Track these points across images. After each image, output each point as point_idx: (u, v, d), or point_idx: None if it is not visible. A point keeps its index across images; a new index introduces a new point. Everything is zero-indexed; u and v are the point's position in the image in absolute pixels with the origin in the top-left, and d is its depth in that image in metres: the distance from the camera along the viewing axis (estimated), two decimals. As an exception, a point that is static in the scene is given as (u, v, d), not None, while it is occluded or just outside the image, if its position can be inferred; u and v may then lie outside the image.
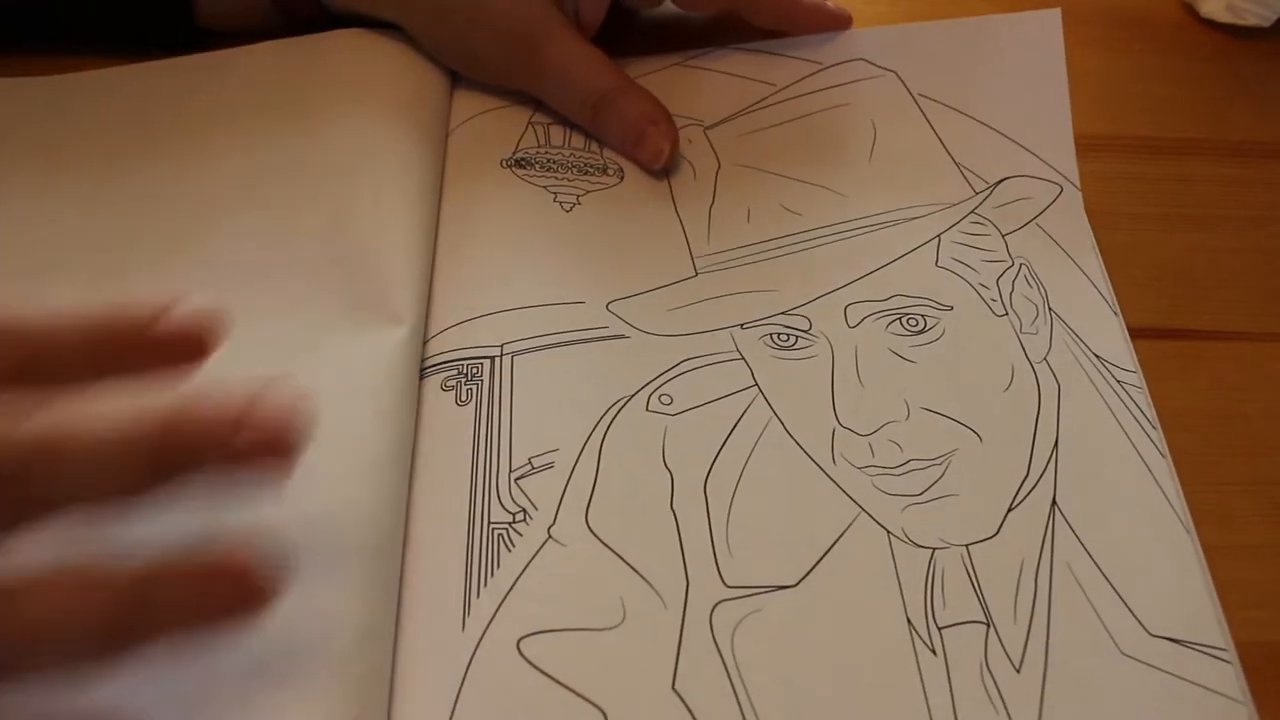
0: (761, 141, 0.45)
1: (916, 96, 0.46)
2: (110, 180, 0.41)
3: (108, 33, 0.46)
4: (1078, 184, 0.43)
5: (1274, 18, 0.49)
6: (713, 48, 0.47)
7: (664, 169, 0.43)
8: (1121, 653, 0.33)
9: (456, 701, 0.31)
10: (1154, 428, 0.37)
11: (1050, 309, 0.40)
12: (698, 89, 0.46)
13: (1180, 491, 0.36)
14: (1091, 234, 0.42)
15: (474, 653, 0.32)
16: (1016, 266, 0.41)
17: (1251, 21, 0.49)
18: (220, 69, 0.44)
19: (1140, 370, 0.38)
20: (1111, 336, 0.40)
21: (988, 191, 0.43)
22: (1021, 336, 0.39)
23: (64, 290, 0.38)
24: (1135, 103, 0.47)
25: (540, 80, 0.43)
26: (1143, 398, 0.38)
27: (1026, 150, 0.44)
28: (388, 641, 0.31)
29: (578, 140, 0.44)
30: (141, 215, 0.40)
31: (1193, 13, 0.50)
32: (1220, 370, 0.40)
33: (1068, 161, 0.43)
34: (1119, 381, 0.38)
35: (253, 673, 0.30)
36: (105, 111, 0.43)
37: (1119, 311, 0.40)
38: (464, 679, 0.31)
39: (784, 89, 0.46)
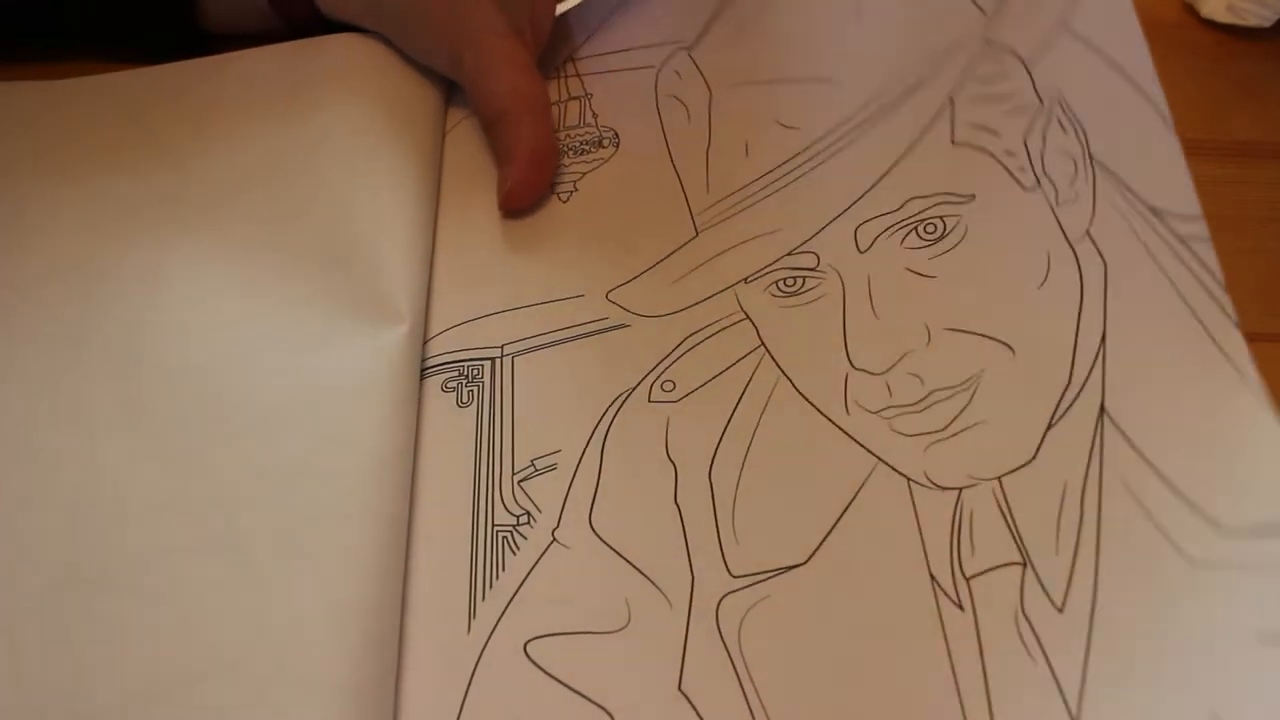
0: (746, 42, 0.42)
1: None
2: (106, 183, 0.41)
3: (111, 36, 0.46)
4: None
5: (1274, 18, 0.49)
6: None
7: (505, 211, 0.41)
8: (1190, 563, 0.30)
9: (463, 704, 0.31)
10: (1221, 290, 0.34)
11: (1091, 157, 0.36)
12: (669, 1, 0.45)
13: (1255, 368, 0.32)
14: (1136, 18, 0.37)
15: (480, 655, 0.32)
16: (1047, 108, 0.37)
17: (1252, 21, 0.49)
18: (217, 71, 0.44)
19: (1202, 213, 0.34)
20: (1171, 170, 0.35)
21: (998, 5, 0.38)
22: (1057, 211, 0.36)
23: (62, 292, 0.38)
24: (1135, 103, 0.47)
25: (463, 83, 0.43)
26: (1208, 252, 0.34)
27: None
28: (392, 641, 0.32)
29: (571, 117, 0.44)
30: (139, 217, 0.40)
31: (1193, 13, 0.50)
32: (1221, 370, 0.40)
33: None
34: (1180, 239, 0.35)
35: (261, 675, 0.30)
36: (101, 115, 0.43)
37: (1174, 128, 0.35)
38: (470, 682, 0.31)
39: None
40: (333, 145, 0.41)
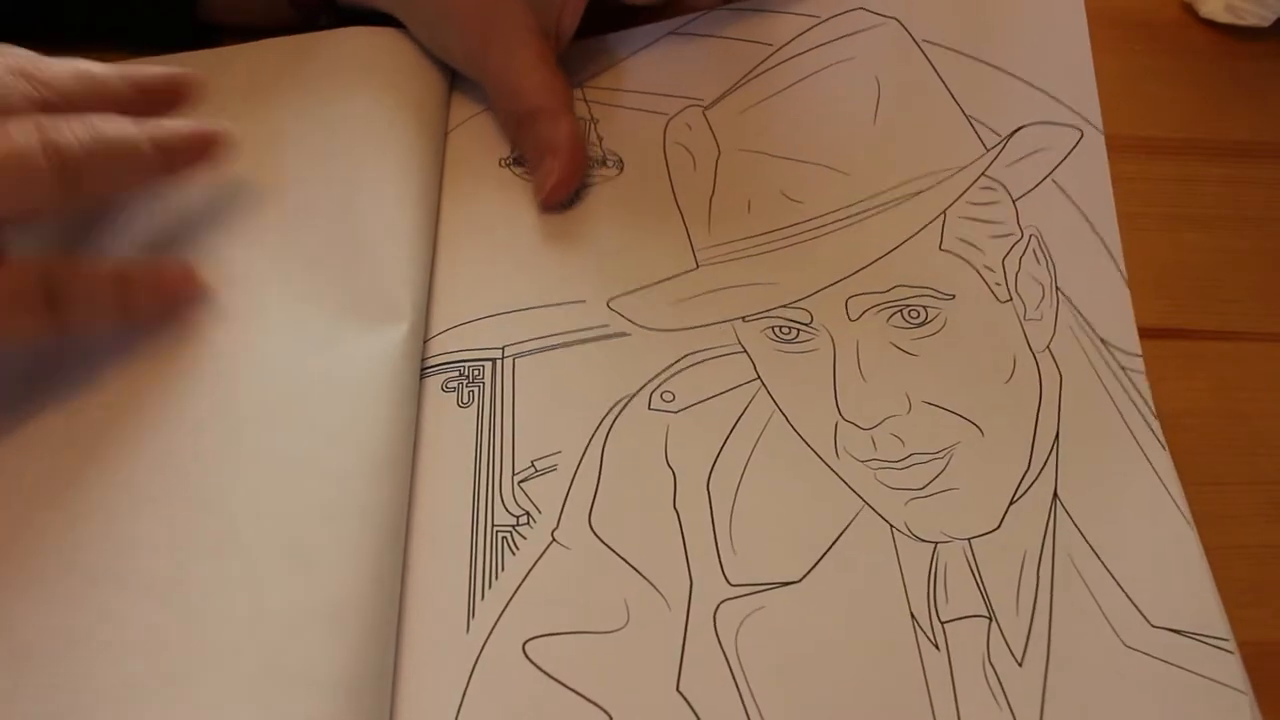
0: (762, 116, 0.44)
1: (921, 43, 0.44)
2: None
3: (108, 32, 0.46)
4: (1100, 126, 0.41)
5: (1273, 18, 0.49)
6: (706, 10, 0.47)
7: (549, 206, 0.41)
8: (1124, 644, 0.33)
9: (461, 704, 0.31)
10: (1153, 417, 0.37)
11: (1058, 288, 0.40)
12: (694, 60, 0.46)
13: (1179, 485, 0.36)
14: (1110, 184, 0.41)
15: (479, 655, 0.32)
16: (1026, 240, 0.41)
17: (1251, 21, 0.49)
18: (222, 66, 0.44)
19: (1143, 354, 0.38)
20: (1120, 314, 0.39)
21: (1000, 146, 0.42)
22: (1024, 324, 0.39)
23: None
24: (1135, 103, 0.47)
25: (484, 80, 0.43)
26: (1143, 383, 0.38)
27: (1042, 92, 0.43)
28: (389, 640, 0.31)
29: None
30: (141, 210, 0.40)
31: (1193, 13, 0.50)
32: (1220, 370, 0.40)
33: (1088, 101, 0.42)
34: (1123, 368, 0.38)
35: (257, 671, 0.30)
36: None
37: (1128, 282, 0.40)
38: (469, 681, 0.31)
39: (782, 48, 0.45)
40: (336, 143, 0.41)
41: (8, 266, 0.32)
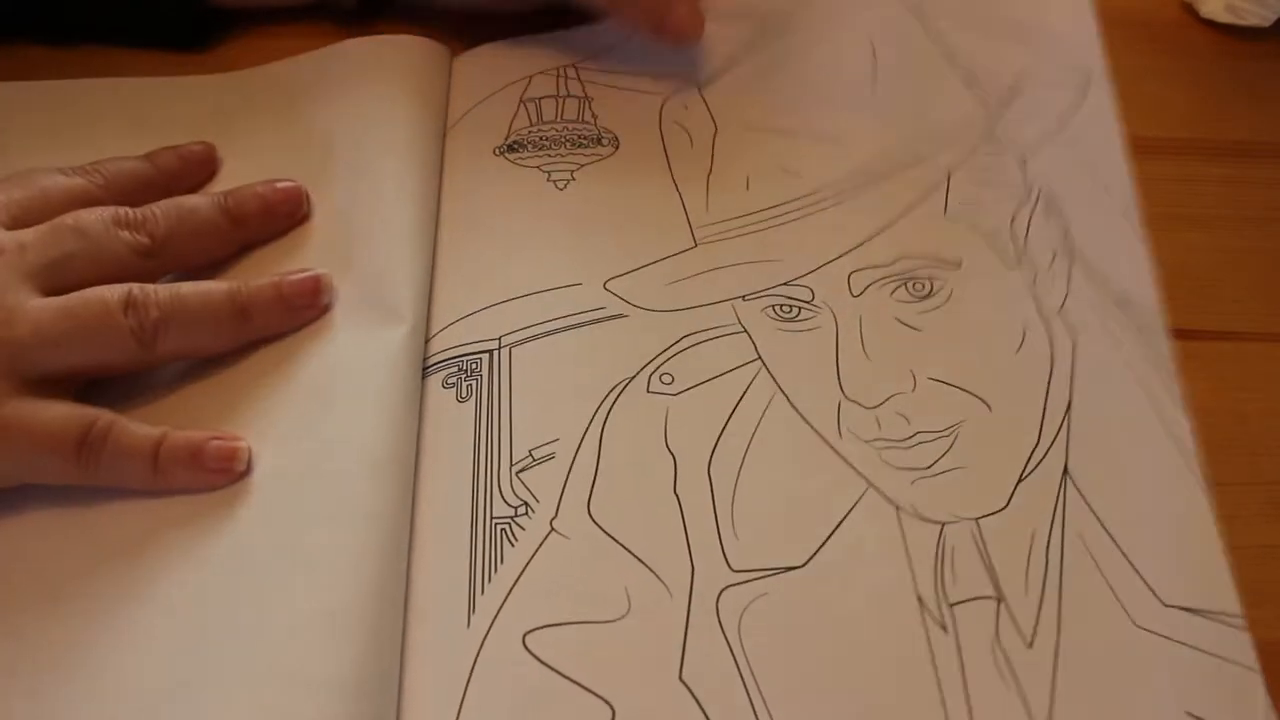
0: (758, 90, 0.44)
1: (916, 12, 0.44)
2: None
3: (109, 31, 0.45)
4: (1105, 72, 0.41)
5: (1274, 18, 0.49)
6: None
7: (695, 37, 0.42)
8: (1135, 624, 0.32)
9: (464, 698, 0.31)
10: (1174, 380, 0.37)
11: (1069, 249, 0.39)
12: None
13: (1194, 451, 0.35)
14: (1119, 131, 0.40)
15: (480, 649, 0.31)
16: (1034, 197, 0.40)
17: (1251, 21, 0.49)
18: (237, 85, 0.45)
19: (1161, 308, 0.38)
20: (1137, 268, 0.39)
21: (1002, 107, 0.42)
22: (1035, 289, 0.38)
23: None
24: (1135, 103, 0.47)
25: None
26: (1164, 342, 0.37)
27: (1044, 54, 0.42)
28: (396, 639, 0.31)
29: (569, 111, 0.44)
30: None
31: (1193, 13, 0.50)
32: (1220, 370, 0.40)
33: (1090, 49, 0.41)
34: (1139, 328, 0.38)
35: (264, 672, 0.30)
36: (120, 121, 0.44)
37: (1142, 233, 0.39)
38: (470, 675, 0.31)
39: (776, 26, 0.45)
40: (335, 150, 0.41)
41: (56, 411, 0.33)
